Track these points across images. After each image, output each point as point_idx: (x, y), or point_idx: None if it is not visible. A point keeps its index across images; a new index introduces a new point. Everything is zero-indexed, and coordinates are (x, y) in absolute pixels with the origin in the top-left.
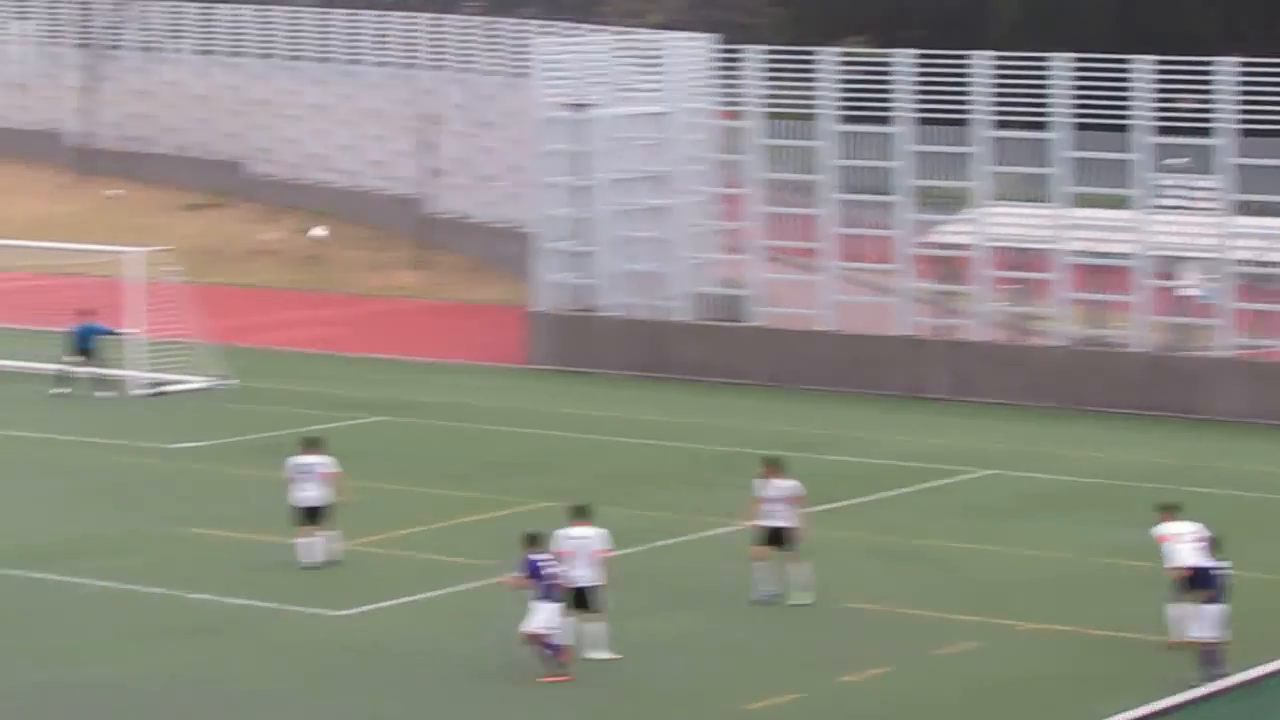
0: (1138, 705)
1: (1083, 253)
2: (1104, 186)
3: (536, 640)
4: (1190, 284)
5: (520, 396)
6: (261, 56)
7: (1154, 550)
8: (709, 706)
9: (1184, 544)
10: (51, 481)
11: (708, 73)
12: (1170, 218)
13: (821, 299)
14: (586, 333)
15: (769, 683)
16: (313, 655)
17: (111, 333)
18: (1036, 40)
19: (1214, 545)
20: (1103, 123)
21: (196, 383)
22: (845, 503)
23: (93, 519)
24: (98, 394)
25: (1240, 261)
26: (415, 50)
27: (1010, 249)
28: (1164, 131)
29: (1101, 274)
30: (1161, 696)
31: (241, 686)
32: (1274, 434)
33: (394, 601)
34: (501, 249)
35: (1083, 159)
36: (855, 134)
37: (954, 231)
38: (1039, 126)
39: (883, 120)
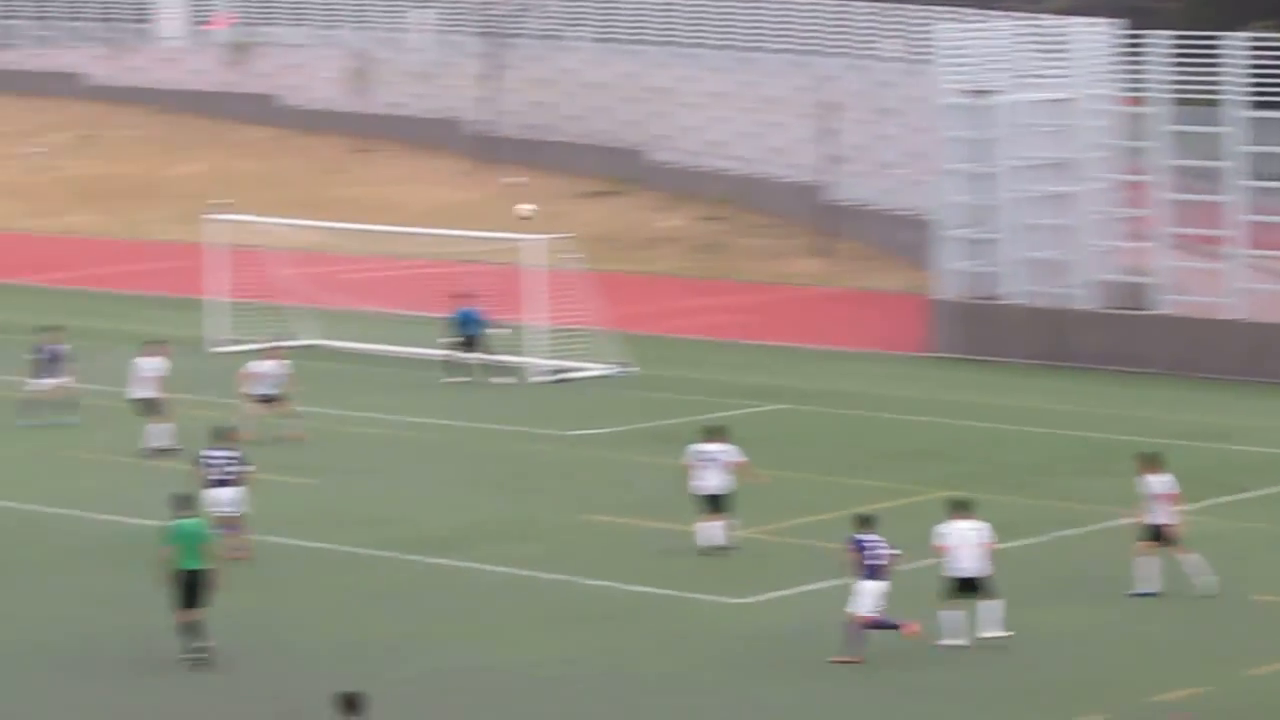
0: None
1: None
2: None
3: (864, 624)
4: None
5: (920, 385)
6: (661, 44)
7: None
8: (1112, 697)
9: None
10: (451, 468)
11: (1112, 58)
12: None
13: (1229, 286)
14: (987, 321)
15: (1172, 675)
16: (710, 642)
17: (489, 324)
18: None
19: None
20: None
21: (596, 370)
22: (1255, 493)
23: (492, 505)
24: (493, 380)
25: None
26: (815, 37)
27: None
28: None
29: None
30: None
31: (638, 672)
32: None
33: (792, 590)
34: (902, 236)
35: None
36: (1264, 120)
37: None
38: None
39: None
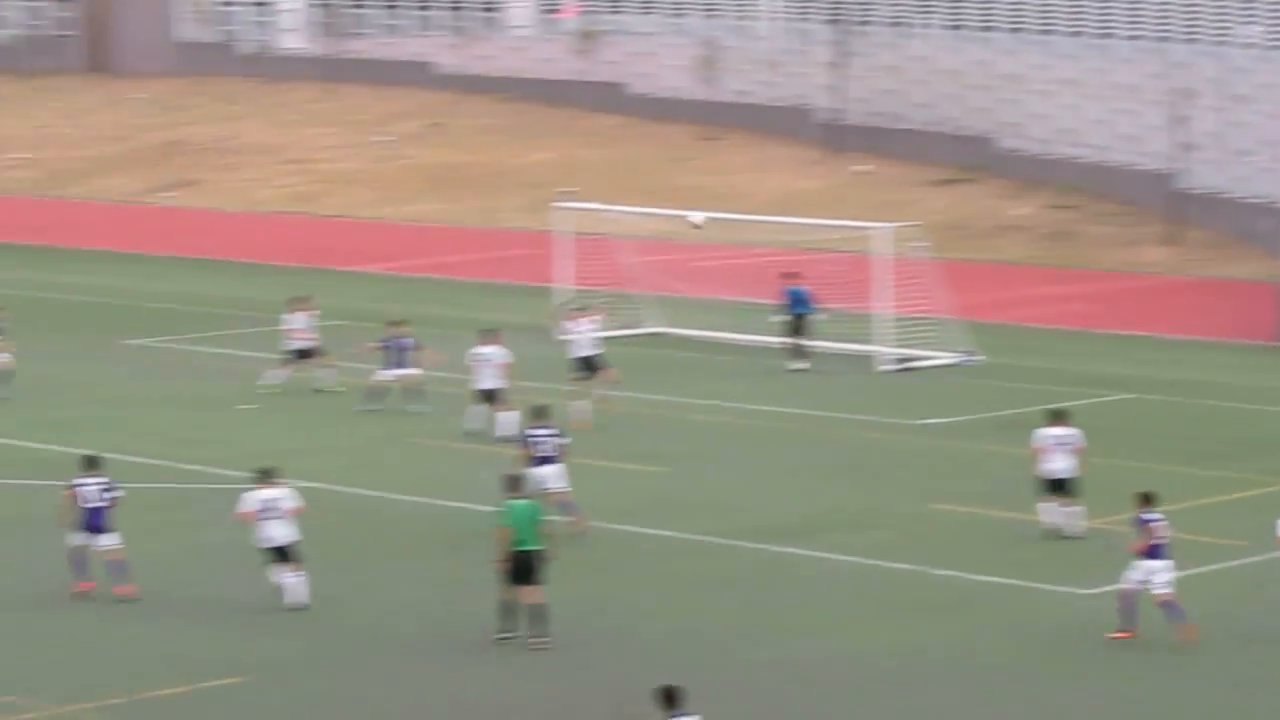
0: None
1: None
2: None
3: (1161, 603)
4: None
5: (1272, 375)
6: (1011, 31)
7: None
8: None
9: None
10: (797, 455)
11: None
12: None
13: None
14: None
15: None
16: (1058, 633)
17: (815, 306)
18: None
19: None
20: None
21: (943, 358)
22: None
23: (838, 493)
24: (790, 366)
25: None
26: (1168, 23)
27: None
28: None
29: None
30: None
31: (984, 662)
32: None
33: None
34: (1255, 224)
35: None
36: None
37: None
38: None
39: None
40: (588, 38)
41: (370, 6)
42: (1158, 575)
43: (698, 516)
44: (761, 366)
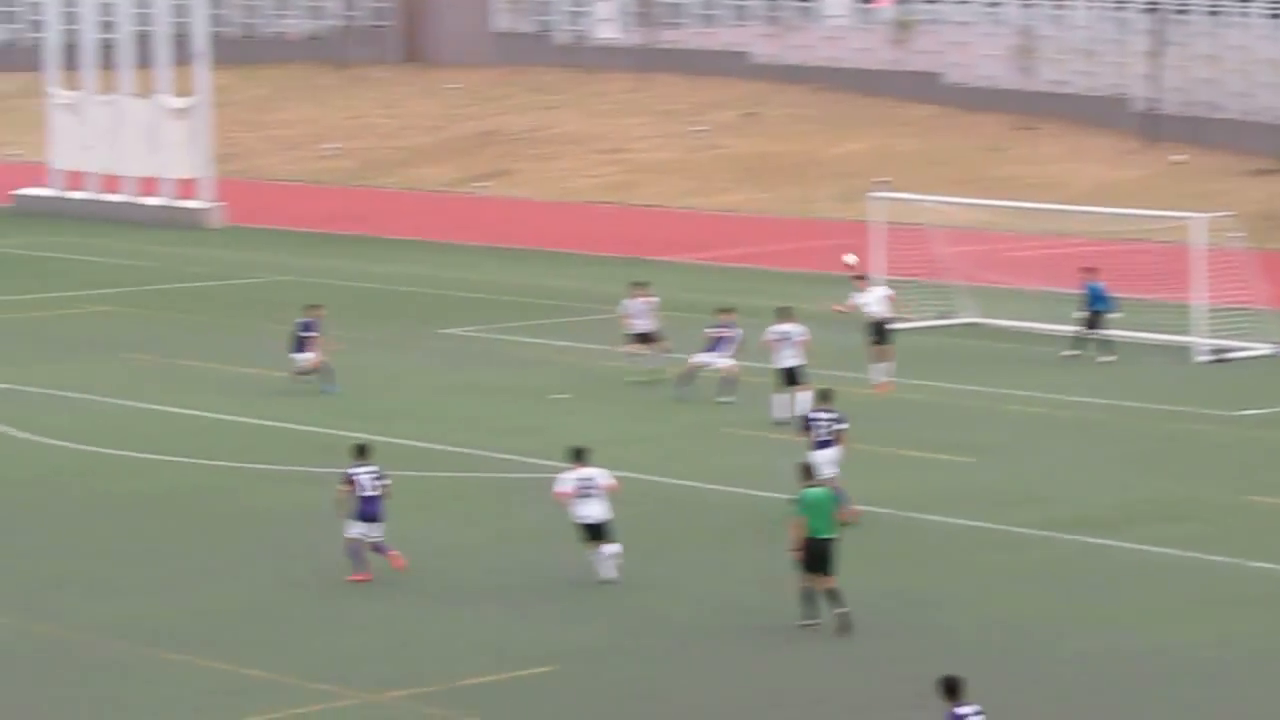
0: None
1: None
2: None
3: None
4: None
5: None
6: None
7: None
8: None
9: None
10: (1110, 446)
11: None
12: None
13: None
14: None
15: None
16: None
17: (1112, 301)
18: None
19: None
20: None
21: (1260, 349)
22: None
23: (1152, 485)
24: (1100, 359)
25: None
26: None
27: None
28: None
29: None
30: None
31: None
32: None
33: None
34: None
35: None
36: None
37: None
38: None
39: None
40: (903, 27)
41: None
42: None
43: (1010, 508)
44: (1077, 358)
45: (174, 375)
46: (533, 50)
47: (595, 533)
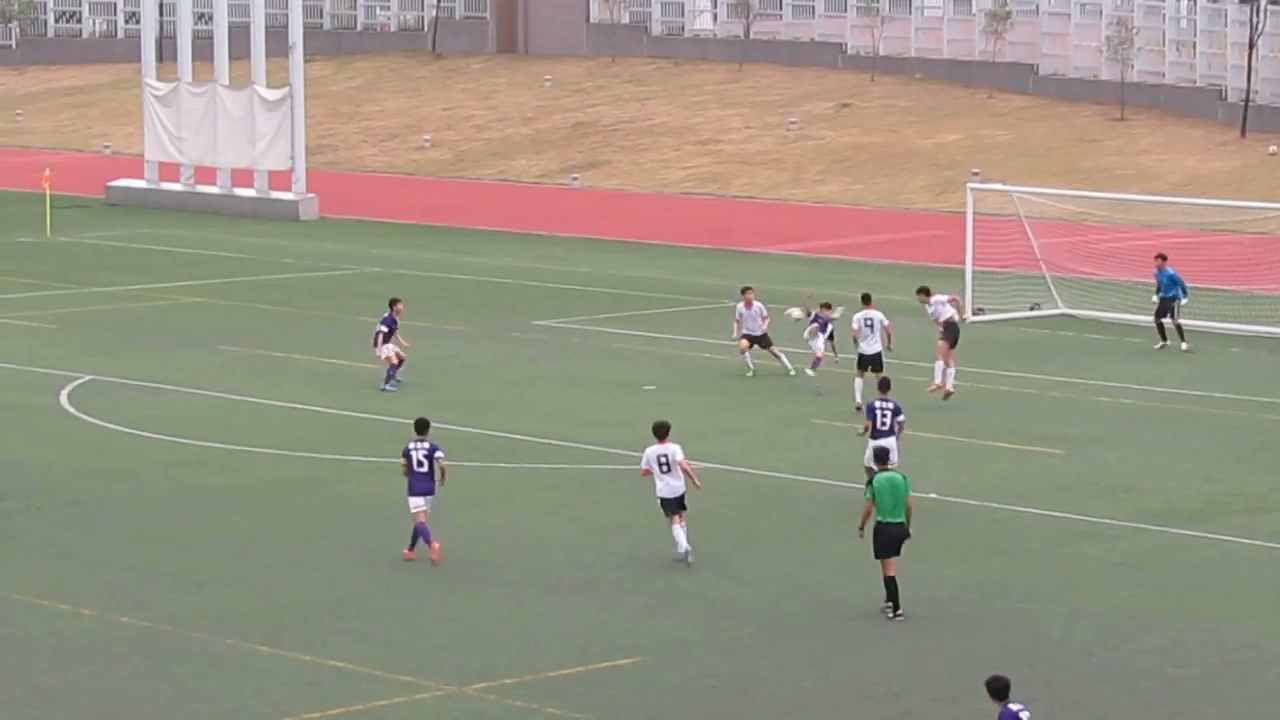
0: None
1: None
2: None
3: None
4: None
5: None
6: None
7: None
8: None
9: None
10: (1200, 437)
11: None
12: None
13: None
14: None
15: None
16: None
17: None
18: None
19: None
20: None
21: None
22: None
23: (1241, 476)
24: (1183, 346)
25: None
26: None
27: None
28: None
29: None
30: None
31: None
32: None
33: None
34: None
35: None
36: None
37: None
38: None
39: None
40: (998, 18)
41: None
42: None
43: (1099, 499)
44: (1169, 348)
45: (264, 366)
46: (628, 41)
47: (674, 506)
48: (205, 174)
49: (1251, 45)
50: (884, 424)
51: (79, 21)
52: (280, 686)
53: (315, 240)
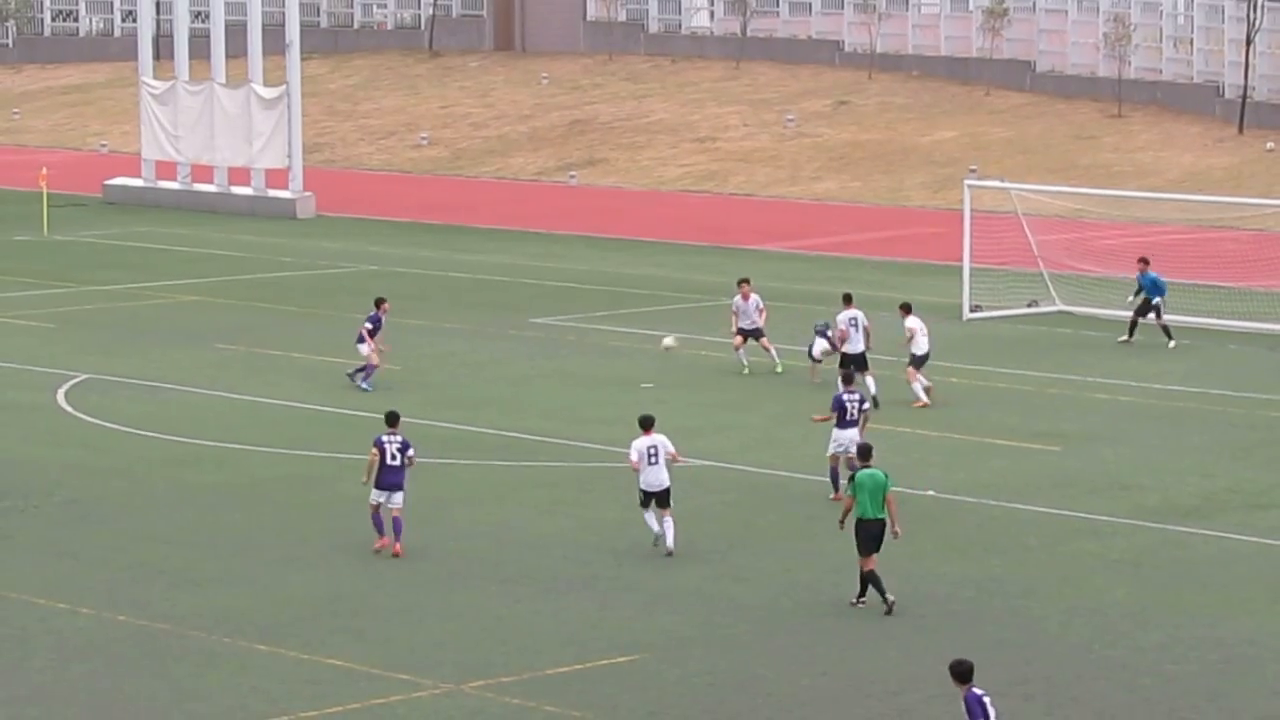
0: None
1: None
2: None
3: None
4: None
5: None
6: None
7: None
8: None
9: None
10: (1197, 434)
11: None
12: None
13: None
14: None
15: None
16: None
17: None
18: None
19: None
20: None
21: None
22: None
23: (1238, 473)
24: (1170, 345)
25: None
26: None
27: None
28: None
29: None
30: None
31: None
32: None
33: None
34: None
35: None
36: None
37: None
38: None
39: None
40: (996, 15)
41: None
42: None
43: (1096, 496)
44: (1163, 345)
45: (261, 365)
46: (625, 39)
47: (656, 499)
48: (202, 172)
49: (1249, 41)
50: (852, 415)
51: (76, 20)
52: (278, 684)
53: (312, 238)
